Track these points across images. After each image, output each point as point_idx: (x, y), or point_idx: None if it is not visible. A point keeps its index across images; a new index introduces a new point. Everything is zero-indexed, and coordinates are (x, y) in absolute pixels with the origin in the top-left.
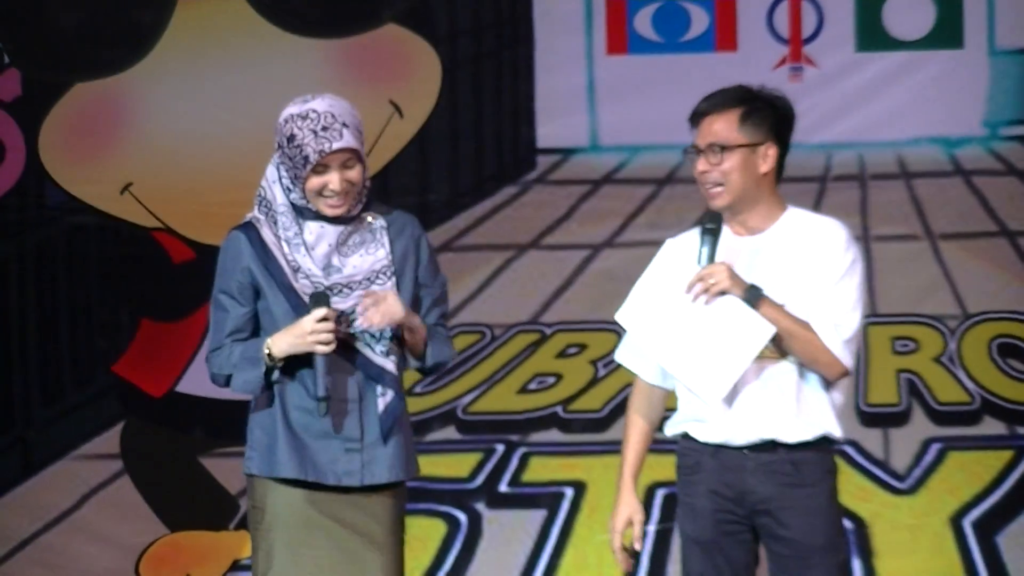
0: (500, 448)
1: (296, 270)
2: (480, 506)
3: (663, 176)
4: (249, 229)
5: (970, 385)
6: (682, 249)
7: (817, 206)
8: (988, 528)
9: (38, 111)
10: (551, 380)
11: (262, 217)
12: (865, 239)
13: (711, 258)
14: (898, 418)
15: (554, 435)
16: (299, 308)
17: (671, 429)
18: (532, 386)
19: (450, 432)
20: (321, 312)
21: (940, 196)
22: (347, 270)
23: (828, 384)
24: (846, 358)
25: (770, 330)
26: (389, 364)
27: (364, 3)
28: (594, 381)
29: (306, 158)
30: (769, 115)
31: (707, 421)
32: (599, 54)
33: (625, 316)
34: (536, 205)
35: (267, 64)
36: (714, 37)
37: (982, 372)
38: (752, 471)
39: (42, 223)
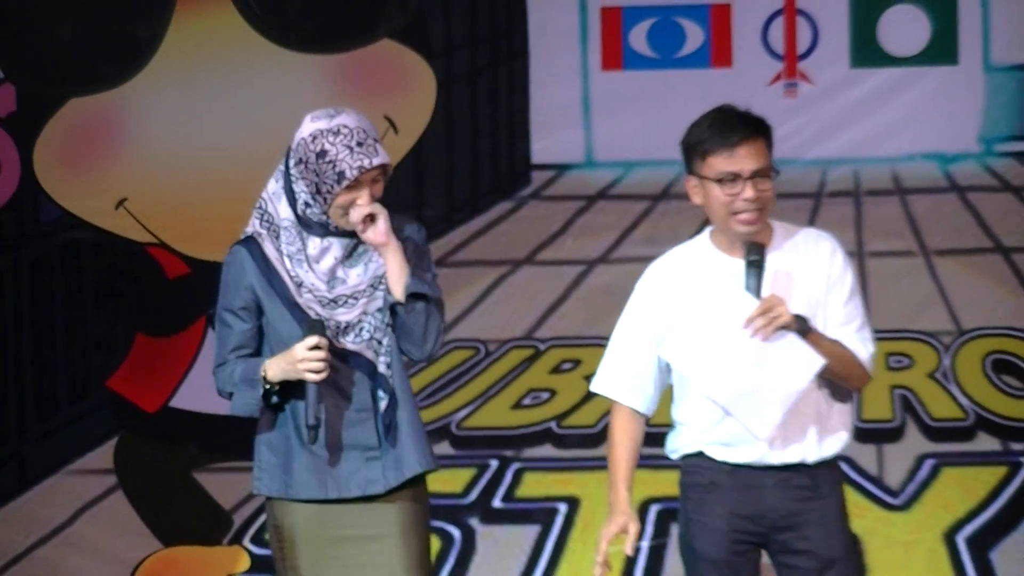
0: (494, 463)
1: (299, 285)
2: (474, 521)
3: (658, 192)
4: (251, 244)
5: (964, 401)
6: (672, 276)
7: (812, 222)
8: (982, 544)
9: (33, 126)
10: (545, 396)
11: (263, 232)
12: (860, 255)
13: (759, 290)
14: (892, 434)
15: (548, 451)
16: (302, 324)
17: (685, 448)
18: (526, 401)
19: (444, 447)
20: (313, 340)
21: (935, 212)
22: (351, 281)
23: (846, 398)
24: (872, 367)
25: (820, 362)
26: (389, 373)
27: (359, 18)
28: (588, 397)
29: (341, 174)
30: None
31: (735, 446)
32: (594, 70)
33: (625, 340)
34: (531, 220)
35: (262, 79)
36: (709, 53)
37: (976, 388)
38: (772, 488)
39: (37, 238)
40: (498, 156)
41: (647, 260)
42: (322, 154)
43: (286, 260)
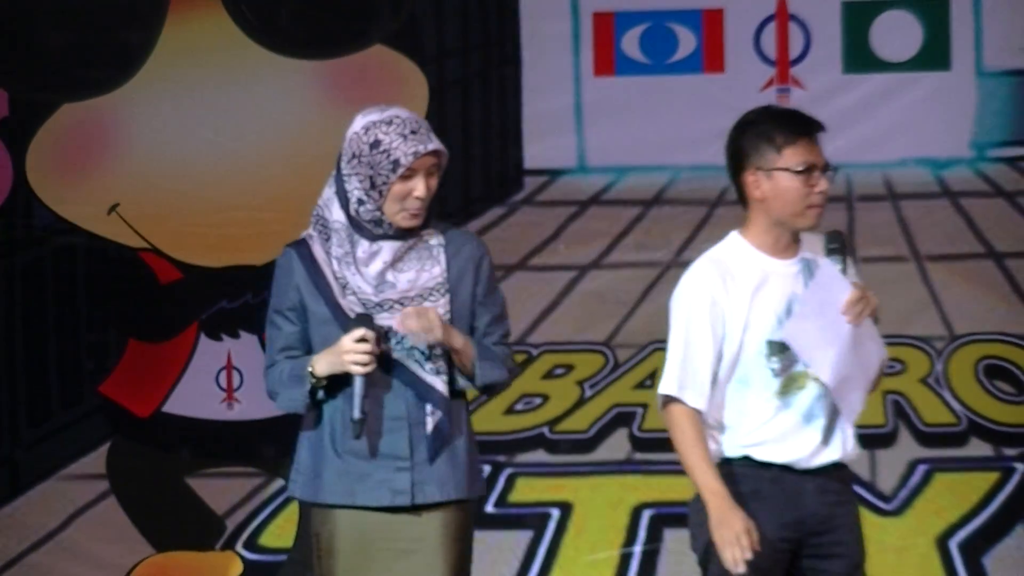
0: (487, 469)
1: (344, 287)
2: None
3: (650, 197)
4: (301, 246)
5: (957, 406)
6: (725, 278)
7: None
8: (975, 549)
9: (25, 131)
10: (537, 401)
11: (315, 234)
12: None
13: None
14: (884, 439)
15: (540, 456)
16: (345, 326)
17: (726, 452)
18: (518, 407)
19: None
20: (359, 332)
21: (927, 218)
22: (400, 286)
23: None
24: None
25: (883, 345)
26: (438, 383)
27: (352, 24)
28: (580, 402)
29: (396, 162)
30: None
31: (784, 442)
32: (587, 75)
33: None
34: (523, 226)
35: (255, 85)
36: (702, 59)
37: (969, 393)
38: (811, 493)
39: (29, 243)
40: (490, 161)
41: (640, 265)
42: (376, 144)
43: (333, 262)
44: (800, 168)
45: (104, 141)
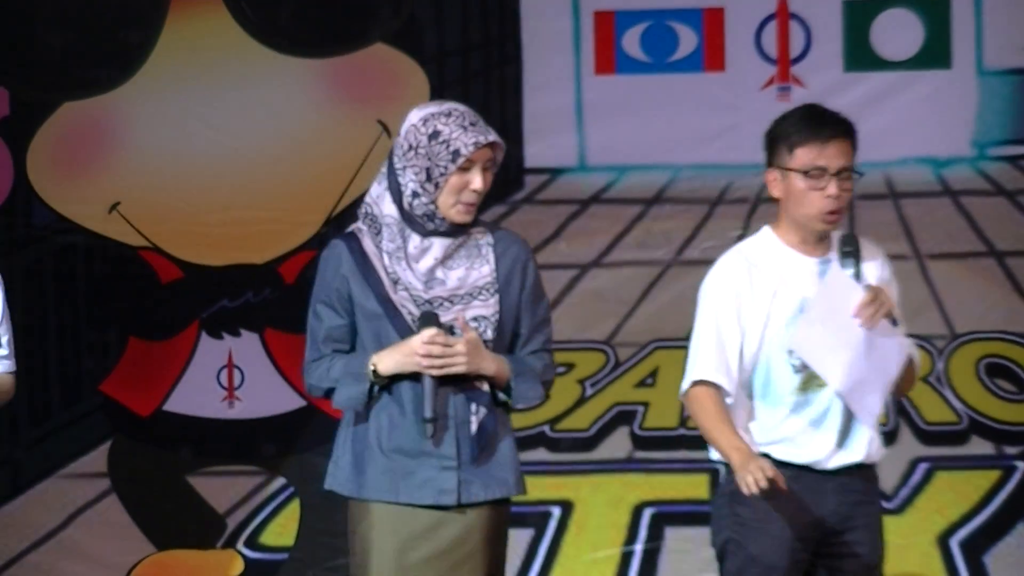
0: None
1: (396, 282)
2: None
3: (651, 196)
4: (350, 239)
5: (958, 405)
6: (751, 271)
7: None
8: (976, 548)
9: (26, 130)
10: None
11: (365, 228)
12: None
13: (858, 280)
14: (885, 438)
15: (541, 454)
16: (396, 321)
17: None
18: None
19: None
20: (432, 332)
21: (928, 216)
22: (450, 283)
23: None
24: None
25: (908, 345)
26: (483, 383)
27: (352, 23)
28: (581, 400)
29: (456, 152)
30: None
31: (800, 444)
32: (587, 74)
33: (801, 339)
34: (524, 225)
35: (255, 84)
36: (702, 57)
37: (970, 392)
38: (832, 491)
39: (30, 242)
40: None
41: (640, 264)
42: (435, 135)
43: (384, 256)
44: (806, 170)
45: (105, 140)
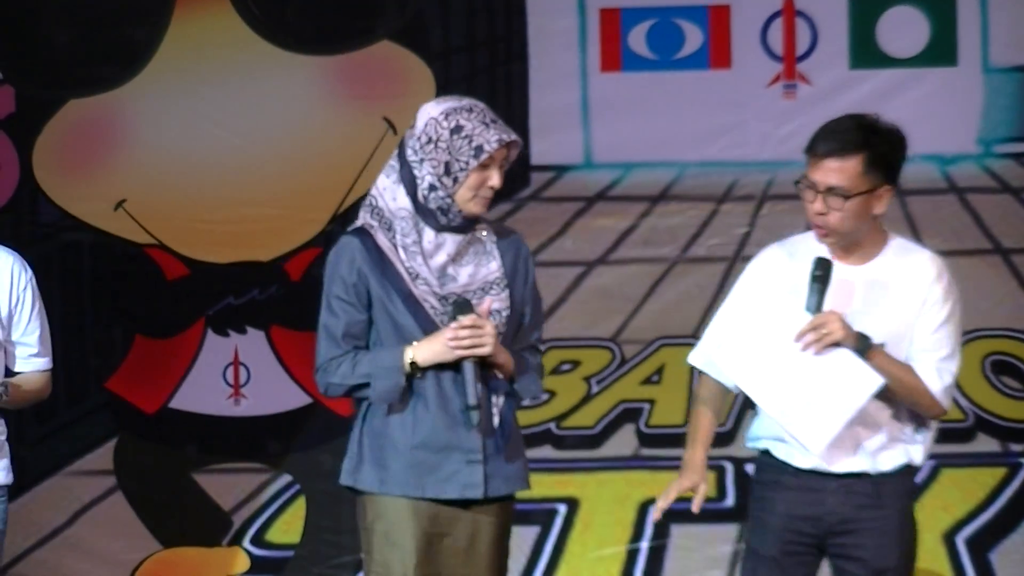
0: None
1: (415, 277)
2: None
3: (657, 193)
4: (363, 235)
5: (964, 402)
6: (782, 265)
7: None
8: (981, 545)
9: (32, 128)
10: (544, 396)
11: (375, 223)
12: None
13: (819, 307)
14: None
15: (547, 452)
16: (418, 315)
17: (759, 441)
18: (525, 402)
19: None
20: (470, 319)
21: (934, 213)
22: (462, 279)
23: (921, 417)
24: (946, 401)
25: (879, 381)
26: (501, 375)
27: (358, 20)
28: (587, 398)
29: (479, 148)
30: (891, 157)
31: (792, 445)
32: (593, 71)
33: (723, 342)
34: (530, 222)
35: (261, 81)
36: (708, 54)
37: (976, 389)
38: (833, 492)
39: (36, 240)
40: None
41: (646, 261)
42: (457, 129)
43: (400, 251)
44: (797, 180)
45: (110, 137)
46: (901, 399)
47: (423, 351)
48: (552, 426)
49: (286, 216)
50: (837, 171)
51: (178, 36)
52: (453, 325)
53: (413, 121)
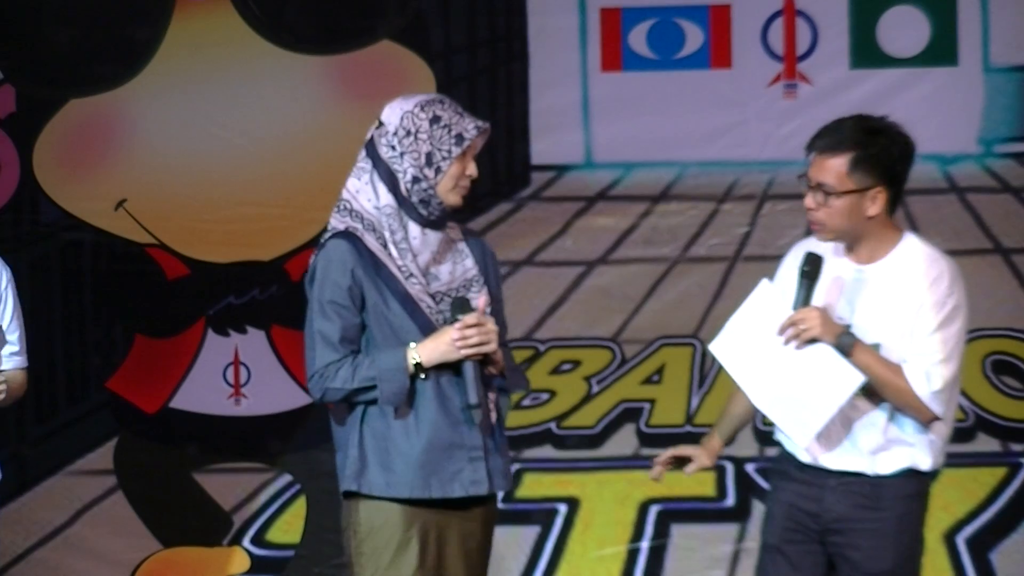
0: None
1: (408, 276)
2: None
3: (657, 193)
4: (351, 238)
5: (964, 402)
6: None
7: None
8: (982, 545)
9: (32, 127)
10: (545, 396)
11: (359, 225)
12: None
13: (806, 302)
14: None
15: (548, 451)
16: (415, 314)
17: (777, 434)
18: (526, 402)
19: None
20: (473, 317)
21: (934, 213)
22: (444, 277)
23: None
24: (936, 407)
25: (859, 379)
26: (494, 371)
27: (359, 20)
28: (588, 398)
29: (459, 136)
30: (884, 158)
31: (789, 439)
32: (594, 71)
33: (720, 344)
34: (530, 221)
35: (261, 80)
36: (709, 54)
37: (976, 389)
38: (832, 489)
39: (36, 239)
40: (497, 157)
41: (646, 261)
42: (436, 119)
43: (392, 248)
44: (801, 177)
45: (111, 137)
46: (889, 400)
47: (427, 352)
48: (552, 426)
49: (286, 216)
50: (825, 168)
51: (178, 36)
52: (458, 324)
53: (377, 120)
